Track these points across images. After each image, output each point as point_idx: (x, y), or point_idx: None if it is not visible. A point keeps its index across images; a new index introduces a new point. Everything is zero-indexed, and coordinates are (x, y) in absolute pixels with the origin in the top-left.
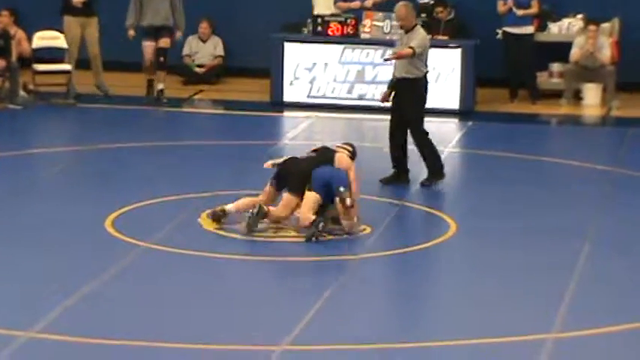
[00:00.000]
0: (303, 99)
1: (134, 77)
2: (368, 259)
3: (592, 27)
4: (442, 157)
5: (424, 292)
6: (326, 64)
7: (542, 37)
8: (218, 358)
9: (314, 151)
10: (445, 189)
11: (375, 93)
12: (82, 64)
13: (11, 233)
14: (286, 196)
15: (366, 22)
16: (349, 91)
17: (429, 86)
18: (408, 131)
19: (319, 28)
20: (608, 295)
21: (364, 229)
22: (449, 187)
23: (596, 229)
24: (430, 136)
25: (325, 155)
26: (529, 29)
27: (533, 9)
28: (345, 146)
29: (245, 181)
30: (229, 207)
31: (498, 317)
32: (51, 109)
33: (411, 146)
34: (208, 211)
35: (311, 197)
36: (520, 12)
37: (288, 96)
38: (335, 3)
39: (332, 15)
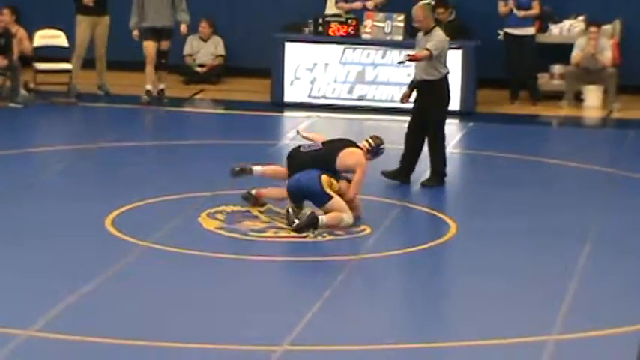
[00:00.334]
0: (303, 99)
1: (135, 76)
2: (368, 260)
3: (593, 29)
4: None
5: (424, 293)
6: (327, 64)
7: (543, 38)
8: (218, 358)
9: (329, 142)
10: (445, 190)
11: (375, 93)
12: (85, 63)
13: (11, 232)
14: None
15: (367, 22)
16: (350, 92)
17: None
18: (424, 134)
19: (320, 29)
20: (610, 297)
21: (363, 229)
22: (449, 187)
23: (597, 230)
24: (446, 142)
25: (331, 150)
26: (530, 30)
27: (535, 10)
28: (368, 140)
29: (245, 180)
30: (257, 168)
31: (499, 318)
32: (52, 107)
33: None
34: (238, 166)
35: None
36: (521, 13)
37: (289, 96)
38: (337, 3)
39: (333, 15)
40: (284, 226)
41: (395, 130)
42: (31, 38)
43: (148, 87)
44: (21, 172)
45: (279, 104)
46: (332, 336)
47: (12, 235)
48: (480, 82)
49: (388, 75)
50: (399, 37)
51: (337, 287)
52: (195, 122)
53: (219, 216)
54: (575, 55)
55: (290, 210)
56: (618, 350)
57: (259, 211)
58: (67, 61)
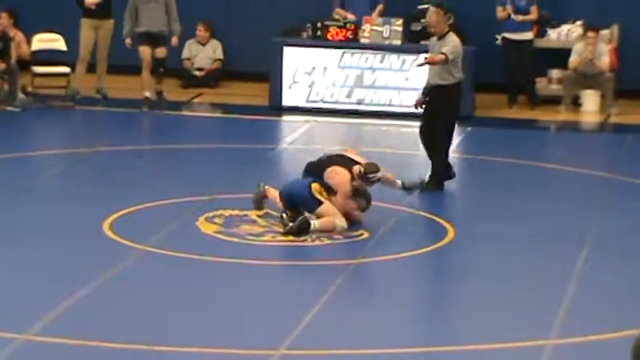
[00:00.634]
0: (302, 103)
1: (133, 80)
2: (366, 264)
3: (591, 33)
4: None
5: (422, 298)
6: (325, 68)
7: (541, 43)
8: None
9: (332, 155)
10: (443, 194)
11: (373, 98)
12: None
13: (8, 235)
14: None
15: (366, 26)
16: (348, 96)
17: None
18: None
19: (318, 33)
20: (608, 301)
21: (361, 234)
22: (447, 192)
23: (595, 234)
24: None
25: (325, 163)
26: (528, 35)
27: (533, 15)
28: (363, 165)
29: (244, 184)
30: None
31: (497, 323)
32: (49, 111)
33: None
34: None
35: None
36: (519, 18)
37: (287, 100)
38: (334, 9)
39: (331, 19)
40: (282, 230)
41: (393, 135)
42: (29, 42)
43: (146, 94)
44: (18, 176)
45: (277, 108)
46: (330, 340)
47: (9, 238)
48: (478, 87)
49: (386, 79)
50: (398, 42)
51: (335, 291)
52: (194, 126)
53: (217, 220)
54: (573, 59)
55: (284, 215)
56: (616, 354)
57: (257, 215)
58: (65, 64)
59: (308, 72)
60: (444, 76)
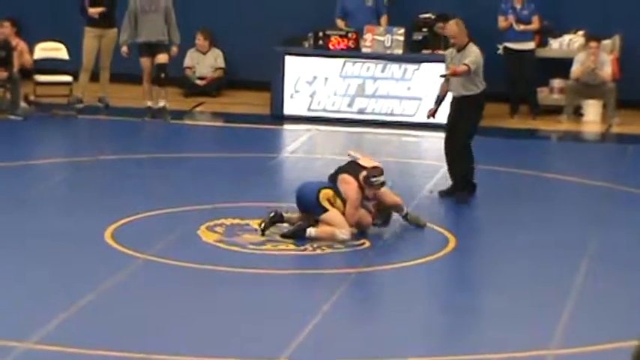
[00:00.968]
0: (303, 112)
1: (135, 89)
2: (367, 273)
3: (593, 43)
4: (442, 171)
5: (423, 308)
6: (327, 77)
7: (543, 52)
8: None
9: (349, 162)
10: (444, 204)
11: (375, 107)
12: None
13: (10, 244)
14: None
15: (367, 36)
16: (350, 105)
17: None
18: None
19: (320, 42)
20: (609, 312)
21: (363, 243)
22: (448, 201)
23: (596, 245)
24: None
25: (339, 170)
26: (530, 45)
27: (534, 25)
28: (368, 169)
29: (245, 193)
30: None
31: (498, 332)
32: (51, 120)
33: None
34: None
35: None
36: (521, 27)
37: (289, 109)
38: (336, 19)
39: (333, 29)
40: (283, 239)
41: (394, 144)
42: (31, 51)
43: (149, 103)
44: (20, 185)
45: (278, 117)
46: (331, 349)
47: (11, 246)
48: None
49: (388, 88)
50: (399, 51)
51: (336, 301)
52: (195, 135)
53: (218, 229)
54: (575, 69)
55: (266, 219)
56: None
57: (259, 225)
58: (67, 73)
59: (309, 81)
60: (469, 87)
